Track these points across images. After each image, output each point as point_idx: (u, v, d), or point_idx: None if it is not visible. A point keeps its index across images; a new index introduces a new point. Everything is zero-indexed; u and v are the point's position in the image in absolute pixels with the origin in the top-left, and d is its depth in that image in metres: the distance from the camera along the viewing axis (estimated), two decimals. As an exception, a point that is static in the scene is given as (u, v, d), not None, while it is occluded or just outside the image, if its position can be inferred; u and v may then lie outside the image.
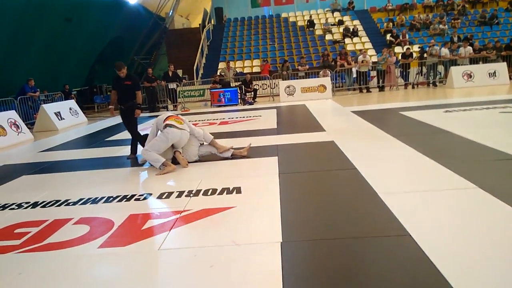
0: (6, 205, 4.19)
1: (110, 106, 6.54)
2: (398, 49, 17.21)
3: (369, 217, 3.18)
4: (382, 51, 14.27)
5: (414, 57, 14.83)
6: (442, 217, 3.05)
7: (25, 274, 2.67)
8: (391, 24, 19.57)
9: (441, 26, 18.60)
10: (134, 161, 5.96)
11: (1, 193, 4.79)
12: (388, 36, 18.65)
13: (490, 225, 2.85)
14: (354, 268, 2.44)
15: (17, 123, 9.52)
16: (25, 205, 4.14)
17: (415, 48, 16.69)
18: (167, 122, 5.20)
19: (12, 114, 9.69)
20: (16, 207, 4.10)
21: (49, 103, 12.62)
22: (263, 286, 2.29)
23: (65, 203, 4.10)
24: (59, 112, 11.49)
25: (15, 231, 3.43)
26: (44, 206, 4.07)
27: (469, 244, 2.59)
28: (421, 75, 14.46)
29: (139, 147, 6.07)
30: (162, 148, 5.16)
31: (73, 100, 12.76)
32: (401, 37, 18.16)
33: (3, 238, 3.30)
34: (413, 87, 14.20)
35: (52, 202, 4.16)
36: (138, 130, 6.32)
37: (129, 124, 6.27)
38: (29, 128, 10.37)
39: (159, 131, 5.37)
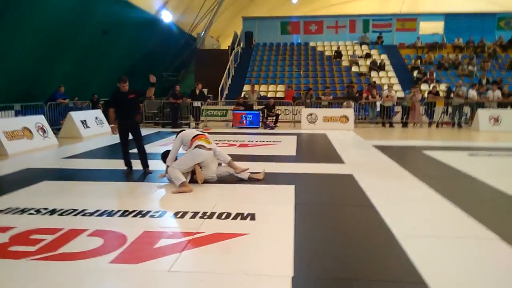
0: (25, 210, 4.28)
1: (111, 125, 6.45)
2: (424, 87, 17.09)
3: (384, 259, 3.11)
4: (410, 89, 14.13)
5: (440, 96, 14.68)
6: (460, 266, 2.96)
7: (37, 281, 2.70)
8: (419, 61, 19.54)
9: (470, 67, 18.44)
10: (153, 176, 6.00)
11: (22, 196, 4.90)
12: (415, 73, 18.58)
13: (509, 277, 2.74)
14: (365, 313, 2.37)
15: (44, 127, 9.81)
16: (43, 211, 4.22)
17: (442, 87, 16.57)
18: (197, 142, 5.28)
19: (40, 119, 10.00)
20: (35, 213, 4.19)
21: (76, 110, 12.99)
22: (270, 322, 2.24)
23: (82, 213, 4.17)
24: (85, 120, 11.80)
25: (30, 237, 3.49)
26: (61, 214, 4.14)
27: (487, 300, 2.49)
28: (446, 114, 14.28)
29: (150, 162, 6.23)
30: (187, 166, 5.27)
31: (99, 110, 13.10)
32: (428, 75, 18.07)
33: (19, 243, 3.36)
34: (437, 126, 14.00)
35: (70, 211, 4.23)
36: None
37: (138, 139, 6.27)
38: (55, 133, 10.66)
39: (183, 146, 5.46)
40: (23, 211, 4.24)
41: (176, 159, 5.44)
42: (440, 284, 2.65)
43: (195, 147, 5.25)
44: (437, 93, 14.54)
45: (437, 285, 2.63)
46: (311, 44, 22.46)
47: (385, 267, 2.97)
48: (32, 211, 4.22)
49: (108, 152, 8.71)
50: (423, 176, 5.90)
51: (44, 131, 9.72)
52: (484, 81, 16.01)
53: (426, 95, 15.02)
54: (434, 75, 18.12)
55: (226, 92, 18.54)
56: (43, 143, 9.41)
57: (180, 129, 6.02)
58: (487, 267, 2.95)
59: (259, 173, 5.65)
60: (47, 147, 9.27)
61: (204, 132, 5.76)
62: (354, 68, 19.77)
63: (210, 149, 5.33)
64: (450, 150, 8.53)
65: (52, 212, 4.21)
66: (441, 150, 8.54)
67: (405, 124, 13.98)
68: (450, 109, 14.21)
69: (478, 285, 2.68)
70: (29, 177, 6.03)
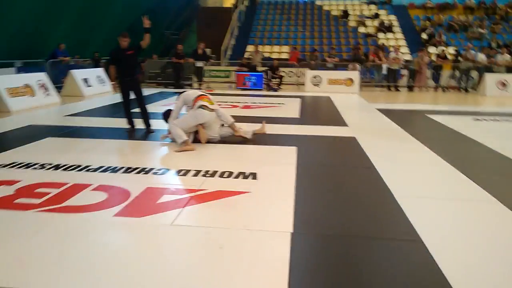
0: (30, 164, 4.33)
1: (112, 82, 6.40)
2: (432, 49, 16.72)
3: (382, 218, 3.16)
4: (418, 52, 13.76)
5: (448, 59, 14.39)
6: (458, 227, 3.01)
7: (42, 232, 2.77)
8: (428, 22, 18.98)
9: (480, 30, 17.94)
10: (155, 135, 6.02)
11: (27, 152, 4.95)
12: (424, 35, 18.10)
13: (507, 241, 2.79)
14: (360, 267, 2.44)
15: (45, 85, 9.74)
16: (48, 166, 4.27)
17: (451, 50, 16.19)
18: (200, 102, 5.24)
19: (42, 76, 9.91)
20: (39, 167, 4.24)
21: (78, 69, 12.85)
22: (270, 272, 2.32)
23: (86, 169, 4.21)
24: (87, 79, 11.70)
25: (35, 190, 3.55)
26: (65, 169, 4.19)
27: (483, 257, 2.55)
28: (453, 79, 14.05)
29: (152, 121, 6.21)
30: (190, 125, 5.27)
31: (101, 69, 12.94)
32: (437, 37, 17.61)
33: (25, 196, 3.43)
34: (443, 91, 13.82)
35: (74, 166, 4.28)
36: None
37: (139, 97, 6.21)
38: (57, 91, 10.60)
39: (186, 107, 5.43)
40: (28, 165, 4.30)
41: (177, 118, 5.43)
42: (436, 242, 2.70)
43: (198, 107, 5.22)
44: (445, 57, 14.24)
45: (433, 243, 2.68)
46: (318, 3, 21.75)
47: (384, 226, 3.02)
48: (36, 166, 4.28)
49: (110, 110, 8.69)
50: (425, 139, 5.88)
51: (45, 89, 9.67)
52: (494, 45, 15.62)
53: (434, 58, 14.71)
54: (443, 38, 17.66)
55: (229, 52, 18.20)
56: (45, 100, 9.39)
57: (183, 90, 5.96)
58: (484, 228, 2.99)
59: (260, 127, 5.69)
60: (49, 105, 9.25)
61: (207, 93, 5.71)
62: (361, 29, 19.27)
63: (213, 110, 5.30)
64: (455, 115, 8.46)
65: (57, 167, 4.26)
66: (445, 114, 8.47)
67: (411, 88, 13.80)
68: (457, 73, 13.97)
69: (475, 245, 2.73)
70: (33, 133, 6.07)
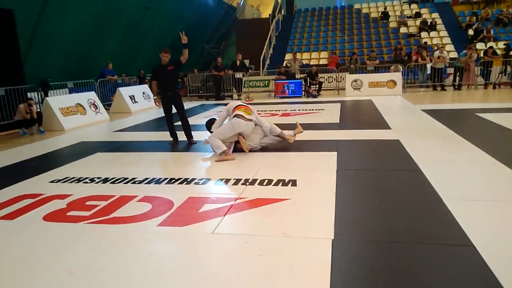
0: (81, 179, 4.58)
1: (154, 97, 6.65)
2: (480, 46, 15.88)
3: (429, 222, 3.02)
4: (466, 51, 13.09)
5: (498, 55, 13.60)
6: (511, 229, 2.81)
7: (92, 243, 2.91)
8: (474, 18, 18.07)
9: (533, 21, 16.83)
10: (197, 146, 6.18)
11: (78, 167, 5.25)
12: (470, 31, 17.25)
13: None
14: (406, 274, 2.34)
15: (96, 103, 10.31)
16: (97, 180, 4.50)
17: (500, 45, 15.30)
18: (236, 112, 5.34)
19: (92, 95, 10.51)
20: (89, 181, 4.47)
21: (125, 86, 13.49)
22: (310, 281, 2.28)
23: (132, 181, 4.39)
24: (133, 96, 12.25)
25: (86, 203, 3.75)
26: (113, 182, 4.39)
27: (541, 263, 2.36)
28: (505, 74, 13.23)
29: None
30: (227, 135, 5.35)
31: (146, 85, 13.49)
32: (485, 33, 16.72)
33: (76, 209, 3.62)
34: (494, 88, 13.05)
35: (121, 179, 4.48)
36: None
37: (181, 111, 6.41)
38: (106, 109, 11.18)
39: (228, 118, 5.54)
40: (79, 180, 4.55)
41: None
42: (488, 247, 2.54)
43: (234, 116, 5.30)
44: (494, 53, 13.46)
45: (486, 247, 2.53)
46: (356, 6, 21.45)
47: (431, 230, 2.88)
48: (87, 180, 4.52)
49: (155, 124, 9.02)
50: (475, 138, 5.58)
51: (96, 107, 10.23)
52: (549, 36, 14.57)
53: (482, 54, 13.96)
54: (492, 32, 16.74)
55: (268, 62, 18.35)
56: (95, 118, 9.92)
57: (225, 102, 6.09)
58: (543, 230, 2.78)
59: (295, 129, 5.74)
60: (99, 122, 9.77)
61: (247, 104, 5.80)
62: (403, 29, 18.73)
63: (250, 120, 5.33)
64: (507, 112, 7.95)
65: (105, 180, 4.47)
66: (496, 112, 7.98)
67: (458, 87, 13.17)
68: (509, 69, 13.15)
69: (532, 248, 2.54)
70: (84, 149, 6.42)
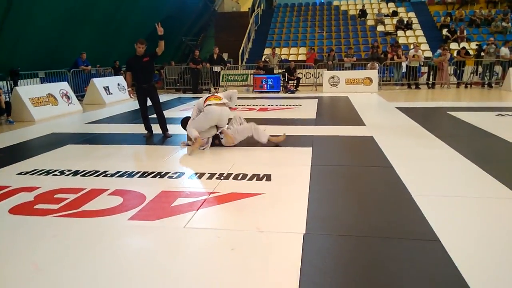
0: (50, 171, 4.45)
1: (128, 89, 6.57)
2: (454, 46, 16.30)
3: (399, 218, 3.09)
4: (440, 51, 13.40)
5: (470, 55, 14.00)
6: (477, 225, 2.91)
7: (59, 237, 2.84)
8: (449, 18, 18.53)
9: (503, 23, 17.38)
10: (173, 139, 6.10)
11: (48, 159, 5.09)
12: (445, 31, 17.68)
13: (530, 240, 2.68)
14: (375, 268, 2.38)
15: (68, 94, 10.02)
16: (67, 173, 4.38)
17: (473, 45, 15.76)
18: (207, 102, 5.31)
19: (64, 86, 10.20)
20: (59, 174, 4.35)
21: (99, 77, 13.17)
22: (281, 275, 2.29)
23: (103, 174, 4.30)
24: (107, 87, 11.97)
25: (55, 196, 3.64)
26: (84, 175, 4.28)
27: (502, 257, 2.45)
28: (476, 74, 13.65)
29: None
30: (204, 126, 5.28)
31: (121, 76, 13.20)
32: (458, 33, 17.17)
33: (44, 202, 3.52)
34: (466, 87, 13.45)
35: (92, 172, 4.37)
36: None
37: (156, 103, 6.33)
38: (79, 100, 10.89)
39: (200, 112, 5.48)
40: (48, 172, 4.42)
41: None
42: (454, 242, 2.62)
43: (205, 106, 5.26)
44: (467, 53, 13.85)
45: (452, 243, 2.60)
46: (335, 3, 21.63)
47: (400, 226, 2.94)
48: (56, 173, 4.39)
49: (130, 117, 8.85)
50: (445, 136, 5.74)
51: (68, 98, 9.94)
52: (519, 38, 15.09)
53: (455, 54, 14.34)
54: (465, 33, 17.21)
55: (246, 56, 18.28)
56: (68, 109, 9.65)
57: (201, 95, 6.03)
58: (505, 227, 2.88)
59: (279, 136, 5.61)
60: (72, 113, 9.51)
61: (215, 93, 5.76)
62: (380, 28, 19.02)
63: (222, 104, 5.29)
64: (477, 111, 8.21)
65: (75, 173, 4.36)
66: (467, 110, 8.23)
67: (432, 85, 13.50)
68: (480, 69, 13.57)
69: (494, 244, 2.63)
70: (54, 141, 6.24)
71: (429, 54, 15.51)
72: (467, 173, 4.14)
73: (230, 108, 5.52)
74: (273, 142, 5.50)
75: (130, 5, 15.19)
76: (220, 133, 5.40)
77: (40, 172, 4.42)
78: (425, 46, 16.74)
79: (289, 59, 16.81)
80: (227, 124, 5.58)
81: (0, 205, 3.47)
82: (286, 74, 13.64)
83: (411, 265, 2.40)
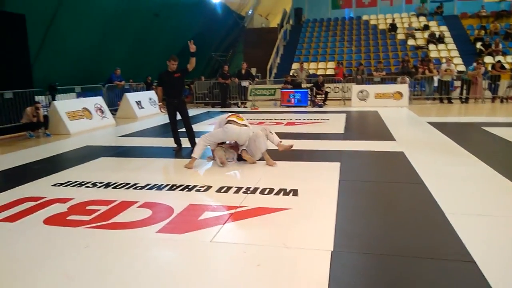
0: (83, 183, 4.60)
1: (159, 103, 6.67)
2: (488, 59, 15.82)
3: (431, 236, 2.98)
4: (475, 65, 13.03)
5: (506, 69, 13.53)
6: (514, 247, 2.76)
7: (90, 247, 2.91)
8: (483, 31, 18.03)
9: (542, 36, 16.75)
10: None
11: (81, 171, 5.27)
12: (479, 45, 17.20)
13: None
14: (405, 289, 2.30)
15: (102, 108, 10.38)
16: (99, 185, 4.51)
17: (509, 59, 15.24)
18: (228, 118, 5.36)
19: (99, 100, 10.59)
20: (91, 186, 4.49)
21: (132, 92, 13.58)
22: (307, 293, 2.25)
23: (134, 187, 4.40)
24: (139, 101, 12.32)
25: (87, 207, 3.75)
26: (115, 187, 4.40)
27: (544, 282, 2.31)
28: (513, 89, 13.16)
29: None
30: (219, 138, 5.38)
31: (153, 91, 13.56)
32: (493, 46, 16.66)
33: (76, 213, 3.63)
34: (501, 102, 12.97)
35: (123, 184, 4.48)
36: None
37: (185, 118, 6.43)
38: (112, 114, 11.26)
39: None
40: (81, 184, 4.57)
41: None
42: (489, 263, 2.50)
43: (226, 123, 5.30)
44: (502, 67, 13.39)
45: (487, 264, 2.48)
46: (364, 17, 21.51)
47: (432, 245, 2.84)
48: (89, 184, 4.53)
49: (160, 131, 9.05)
50: (480, 152, 5.53)
51: (102, 112, 10.30)
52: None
53: (490, 68, 13.90)
54: (500, 46, 16.68)
55: (275, 71, 18.40)
56: (101, 122, 9.99)
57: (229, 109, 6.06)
58: (546, 248, 2.73)
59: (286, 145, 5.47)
60: (105, 127, 9.83)
61: (238, 112, 5.78)
62: (410, 42, 18.72)
63: (243, 125, 5.30)
64: (515, 126, 7.89)
65: (107, 185, 4.48)
66: (504, 126, 7.92)
67: (465, 100, 13.10)
68: (517, 83, 13.08)
69: (535, 266, 2.49)
70: (88, 154, 6.45)
71: (462, 68, 15.11)
72: (503, 191, 3.96)
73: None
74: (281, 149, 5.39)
75: (163, 22, 15.70)
76: (240, 153, 5.41)
77: (74, 184, 4.57)
78: (458, 60, 16.33)
79: (317, 73, 16.79)
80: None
81: (35, 215, 3.61)
82: (314, 88, 13.61)
83: (445, 286, 2.30)
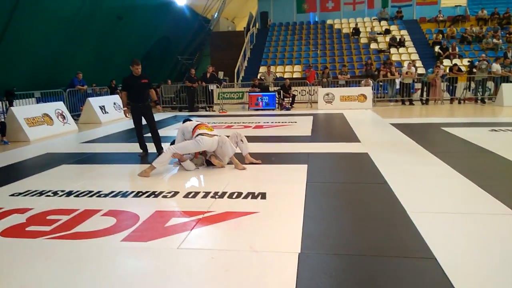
0: (43, 192, 4.41)
1: (124, 108, 6.53)
2: (446, 62, 16.54)
3: (394, 235, 3.07)
4: (434, 68, 13.58)
5: (463, 71, 14.20)
6: (474, 243, 2.88)
7: (51, 259, 2.79)
8: (440, 35, 18.85)
9: (494, 40, 17.70)
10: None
11: (41, 179, 5.05)
12: (437, 48, 17.97)
13: (526, 256, 2.66)
14: (371, 287, 2.35)
15: (63, 114, 10.02)
16: (60, 193, 4.34)
17: (465, 62, 16.01)
18: (199, 131, 5.26)
19: (60, 105, 10.21)
20: (52, 195, 4.31)
21: (95, 96, 13.20)
22: (275, 296, 2.26)
23: (97, 195, 4.26)
24: (103, 106, 11.99)
25: (47, 217, 3.60)
26: (77, 196, 4.24)
27: (499, 274, 2.43)
28: (469, 90, 13.81)
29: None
30: (191, 151, 5.29)
31: (117, 95, 13.24)
32: (450, 50, 17.45)
33: (36, 224, 3.47)
34: (459, 103, 13.58)
35: (85, 192, 4.34)
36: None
37: (151, 122, 6.37)
38: (75, 119, 10.89)
39: (185, 138, 5.45)
40: (41, 193, 4.38)
41: None
42: (450, 260, 2.60)
43: (198, 135, 5.22)
44: (459, 70, 14.05)
45: (448, 260, 2.58)
46: (328, 22, 21.97)
47: (396, 243, 2.92)
48: (49, 193, 4.35)
49: (125, 136, 8.84)
50: (440, 152, 5.76)
51: (63, 117, 9.94)
52: (509, 54, 15.34)
53: (447, 71, 14.54)
54: (457, 50, 17.50)
55: (242, 74, 18.42)
56: (63, 128, 9.63)
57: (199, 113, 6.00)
58: (501, 244, 2.86)
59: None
60: (67, 133, 9.48)
61: (204, 122, 5.73)
62: (373, 45, 19.27)
63: (214, 135, 5.27)
64: (471, 126, 8.28)
65: (69, 194, 4.32)
66: (461, 126, 8.29)
67: (425, 102, 13.63)
68: (473, 85, 13.74)
69: (491, 262, 2.61)
70: (49, 161, 6.21)
71: (422, 70, 15.71)
72: (462, 190, 4.14)
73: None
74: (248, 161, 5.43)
75: (127, 25, 15.35)
76: (209, 158, 5.37)
77: (33, 193, 4.38)
78: (418, 63, 16.96)
79: (284, 76, 16.96)
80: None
81: (-9, 227, 3.42)
82: (282, 91, 13.74)
83: (408, 283, 2.37)
